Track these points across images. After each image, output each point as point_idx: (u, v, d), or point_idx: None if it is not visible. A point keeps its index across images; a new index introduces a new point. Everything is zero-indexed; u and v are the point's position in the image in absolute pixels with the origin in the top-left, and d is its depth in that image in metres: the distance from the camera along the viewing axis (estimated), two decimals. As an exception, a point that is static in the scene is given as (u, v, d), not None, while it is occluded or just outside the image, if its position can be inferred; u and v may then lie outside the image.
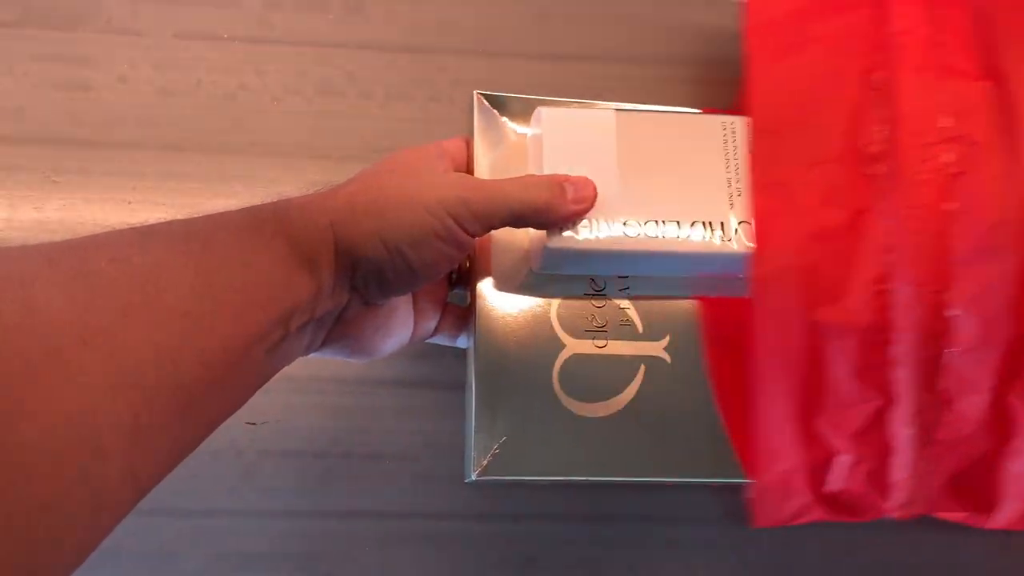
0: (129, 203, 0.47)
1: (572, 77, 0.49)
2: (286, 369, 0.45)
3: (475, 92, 0.43)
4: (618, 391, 0.41)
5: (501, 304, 0.41)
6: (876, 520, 0.44)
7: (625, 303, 0.42)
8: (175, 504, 0.44)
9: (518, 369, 0.40)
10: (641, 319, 0.42)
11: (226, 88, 0.48)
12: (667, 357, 0.42)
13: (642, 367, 0.41)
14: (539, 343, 0.41)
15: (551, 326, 0.41)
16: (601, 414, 0.41)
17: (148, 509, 0.43)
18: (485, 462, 0.39)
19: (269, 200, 0.33)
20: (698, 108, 0.48)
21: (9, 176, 0.47)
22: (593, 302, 0.42)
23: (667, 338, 0.42)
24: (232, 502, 0.44)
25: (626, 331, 0.42)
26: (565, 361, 0.41)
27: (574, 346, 0.41)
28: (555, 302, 0.42)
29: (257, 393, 0.45)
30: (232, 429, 0.44)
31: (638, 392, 0.41)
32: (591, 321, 0.42)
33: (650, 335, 0.42)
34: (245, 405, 0.44)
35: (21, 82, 0.48)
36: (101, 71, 0.48)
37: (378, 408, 0.45)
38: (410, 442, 0.44)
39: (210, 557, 0.43)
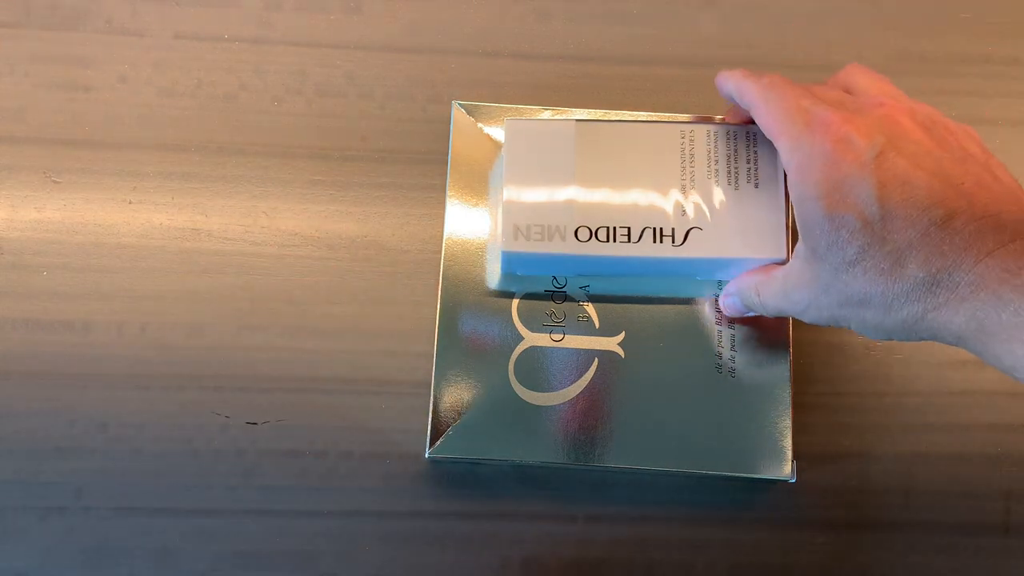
0: (129, 203, 0.47)
1: (572, 77, 0.49)
2: (286, 369, 0.45)
3: (453, 102, 0.46)
4: (570, 382, 0.43)
5: (464, 296, 0.44)
6: (878, 521, 0.44)
7: (582, 297, 0.44)
8: (175, 504, 0.44)
9: (476, 357, 0.43)
10: (598, 315, 0.44)
11: (226, 88, 0.48)
12: (621, 352, 0.44)
13: (595, 360, 0.43)
14: (498, 335, 0.44)
15: (511, 319, 0.44)
16: (552, 403, 0.43)
17: (148, 509, 0.44)
18: (439, 441, 0.42)
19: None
20: (696, 110, 0.48)
21: (9, 176, 0.47)
22: (553, 298, 0.44)
23: (622, 334, 0.44)
24: (232, 502, 0.44)
25: (583, 326, 0.44)
26: (522, 352, 0.43)
27: (532, 339, 0.44)
28: (516, 297, 0.44)
29: (258, 393, 0.45)
30: (232, 429, 0.45)
31: (589, 384, 0.43)
32: (550, 316, 0.44)
33: (605, 330, 0.44)
34: (246, 404, 0.45)
35: (21, 82, 0.48)
36: (101, 71, 0.48)
37: (378, 408, 0.45)
38: (410, 442, 0.44)
39: (210, 557, 0.43)
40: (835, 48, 0.50)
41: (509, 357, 0.43)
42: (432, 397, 0.43)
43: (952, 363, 0.47)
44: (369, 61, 0.49)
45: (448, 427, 0.43)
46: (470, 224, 0.45)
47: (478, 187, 0.46)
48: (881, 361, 0.46)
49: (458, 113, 0.46)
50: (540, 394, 0.43)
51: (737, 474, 0.43)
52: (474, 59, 0.49)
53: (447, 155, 0.47)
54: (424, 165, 0.48)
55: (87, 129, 0.48)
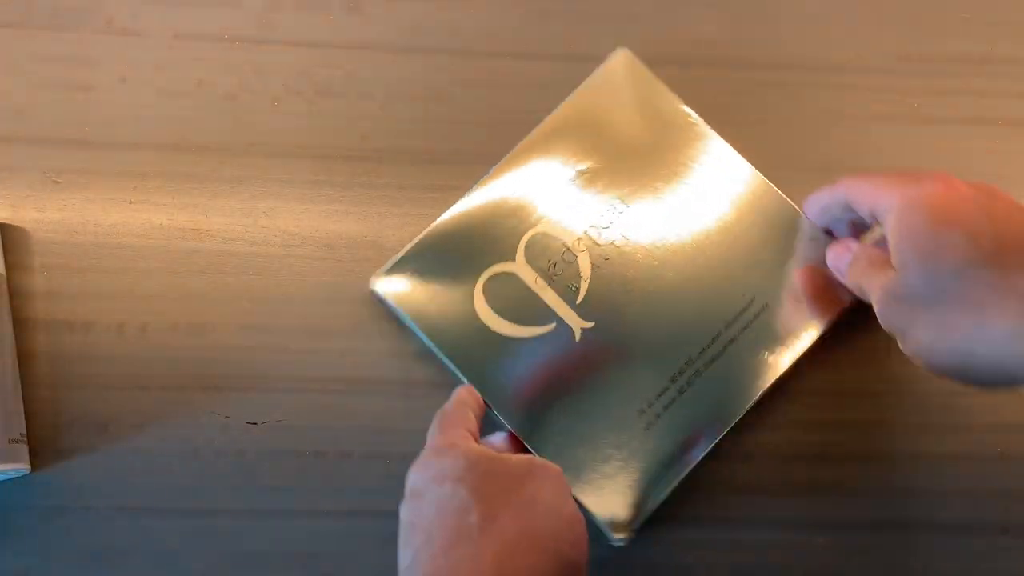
0: (130, 203, 0.47)
1: (572, 77, 0.49)
2: (286, 369, 0.45)
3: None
4: (522, 325, 0.44)
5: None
6: (878, 521, 0.44)
7: (586, 274, 0.45)
8: (175, 504, 0.44)
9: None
10: (585, 294, 0.44)
11: (226, 88, 0.48)
12: (577, 336, 0.44)
13: (553, 325, 0.44)
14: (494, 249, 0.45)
15: (516, 245, 0.45)
16: (501, 331, 0.44)
17: (149, 509, 0.44)
18: (388, 266, 0.45)
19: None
20: (695, 109, 0.48)
21: (9, 176, 0.47)
22: (564, 256, 0.45)
23: (592, 323, 0.44)
24: (232, 502, 0.44)
25: (567, 292, 0.44)
26: (500, 272, 0.44)
27: (517, 268, 0.44)
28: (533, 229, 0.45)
29: (258, 393, 0.45)
30: (232, 429, 0.45)
31: (533, 342, 0.44)
32: (548, 262, 0.45)
33: (581, 310, 0.44)
34: (246, 404, 0.45)
35: (22, 82, 0.48)
36: (101, 71, 0.48)
37: (378, 408, 0.45)
38: (411, 442, 0.44)
39: (210, 557, 0.43)
40: (835, 48, 0.50)
41: (487, 268, 0.44)
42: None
43: (952, 363, 0.47)
44: (369, 61, 0.49)
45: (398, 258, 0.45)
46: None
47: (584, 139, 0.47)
48: (881, 361, 0.46)
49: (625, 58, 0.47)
50: (496, 317, 0.44)
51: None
52: (474, 59, 0.49)
53: (447, 155, 0.47)
54: (424, 165, 0.48)
55: (87, 129, 0.48)
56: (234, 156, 0.48)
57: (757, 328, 0.44)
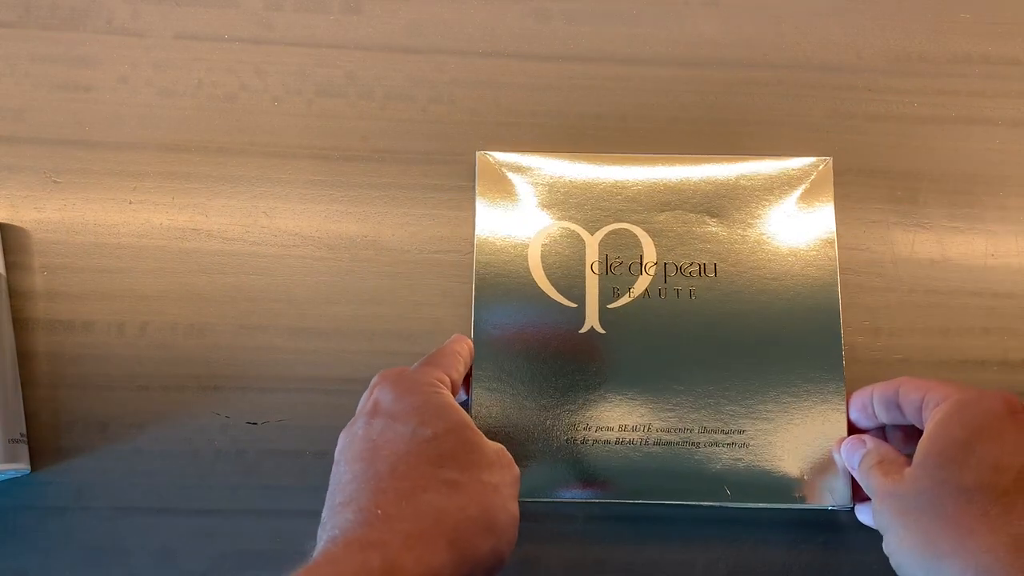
0: (130, 203, 0.47)
1: (572, 77, 0.49)
2: (286, 369, 0.45)
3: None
4: (558, 288, 0.45)
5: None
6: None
7: (635, 294, 0.45)
8: (176, 504, 0.44)
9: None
10: (620, 306, 0.45)
11: (226, 88, 0.48)
12: (583, 329, 0.44)
13: (575, 306, 0.45)
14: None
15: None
16: (536, 281, 0.45)
17: (149, 509, 0.44)
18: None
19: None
20: (695, 110, 0.48)
21: (9, 176, 0.47)
22: (632, 266, 0.45)
23: (604, 332, 0.44)
24: (232, 502, 0.44)
25: (607, 291, 0.45)
26: (572, 234, 0.45)
27: (590, 244, 0.45)
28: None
29: (258, 393, 0.45)
30: (233, 429, 0.45)
31: (556, 305, 0.45)
32: (615, 257, 0.45)
33: (604, 315, 0.45)
34: (246, 404, 0.45)
35: (22, 82, 0.48)
36: (102, 71, 0.48)
37: (378, 408, 0.45)
38: (410, 442, 0.44)
39: (210, 557, 0.43)
40: (835, 48, 0.50)
41: (569, 220, 0.45)
42: None
43: (952, 363, 0.47)
44: (369, 61, 0.49)
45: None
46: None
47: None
48: (880, 361, 0.46)
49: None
50: (538, 261, 0.45)
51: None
52: (474, 59, 0.49)
53: (447, 155, 0.47)
54: (424, 165, 0.48)
55: (87, 129, 0.48)
56: (234, 156, 0.48)
57: (723, 453, 0.43)
